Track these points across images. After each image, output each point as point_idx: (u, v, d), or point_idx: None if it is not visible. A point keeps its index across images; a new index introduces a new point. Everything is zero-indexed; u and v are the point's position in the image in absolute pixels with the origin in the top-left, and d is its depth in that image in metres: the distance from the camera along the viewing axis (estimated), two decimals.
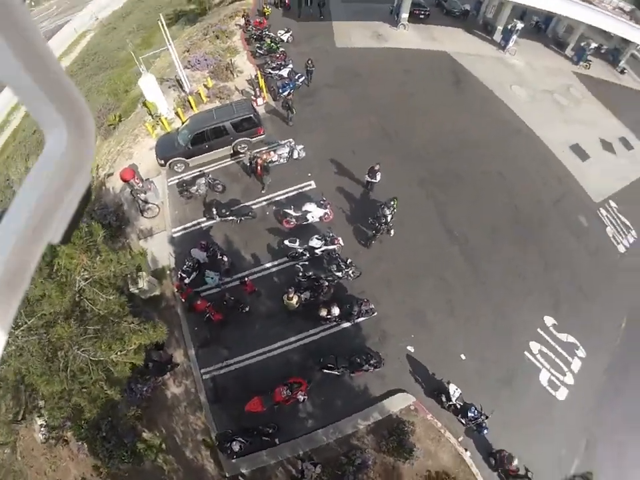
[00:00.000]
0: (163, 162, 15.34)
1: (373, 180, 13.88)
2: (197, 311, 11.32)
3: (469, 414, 10.12)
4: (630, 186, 18.76)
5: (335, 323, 11.37)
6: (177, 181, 15.43)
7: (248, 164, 14.64)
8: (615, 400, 12.47)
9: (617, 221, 17.21)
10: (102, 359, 6.36)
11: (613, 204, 17.69)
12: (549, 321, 13.25)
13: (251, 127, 15.29)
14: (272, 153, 15.15)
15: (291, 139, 16.01)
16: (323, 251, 12.25)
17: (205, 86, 18.92)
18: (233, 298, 11.14)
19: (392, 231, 13.09)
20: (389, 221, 12.40)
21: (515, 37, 22.63)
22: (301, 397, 9.73)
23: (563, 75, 23.74)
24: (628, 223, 17.31)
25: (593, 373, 12.79)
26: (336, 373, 10.38)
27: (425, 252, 13.67)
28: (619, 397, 12.61)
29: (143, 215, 14.92)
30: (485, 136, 18.22)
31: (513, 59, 23.38)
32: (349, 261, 11.69)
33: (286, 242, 12.35)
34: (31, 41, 0.51)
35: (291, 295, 10.72)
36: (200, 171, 15.53)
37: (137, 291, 12.02)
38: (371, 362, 10.28)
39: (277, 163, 15.18)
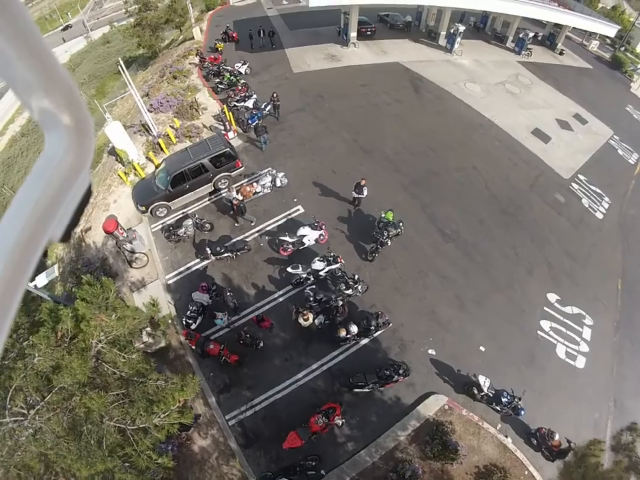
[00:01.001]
0: (144, 208, 14.92)
1: (360, 195, 14.07)
2: (210, 356, 10.90)
3: (503, 400, 10.15)
4: (592, 157, 20.05)
5: (354, 342, 11.22)
6: (160, 226, 15.06)
7: (228, 203, 14.53)
8: (633, 352, 13.16)
9: (590, 192, 18.28)
10: (142, 425, 5.90)
11: (582, 177, 18.81)
12: (552, 297, 13.74)
13: (229, 162, 15.27)
14: (254, 184, 15.15)
15: (270, 167, 16.09)
16: (326, 272, 12.20)
17: (172, 127, 18.85)
18: (249, 335, 10.82)
19: (389, 241, 13.26)
20: (392, 235, 12.69)
21: (458, 39, 24.09)
22: (339, 422, 9.44)
23: (509, 66, 25.41)
24: (599, 191, 18.40)
25: (605, 336, 13.37)
26: (366, 390, 10.17)
27: (423, 254, 13.91)
28: (633, 345, 13.35)
29: (131, 266, 14.38)
30: (451, 134, 19.04)
31: (460, 60, 24.78)
32: (356, 276, 11.67)
33: (289, 269, 12.21)
34: (30, 40, 0.51)
35: (306, 316, 10.56)
36: (183, 212, 15.27)
37: (142, 346, 11.49)
38: (400, 372, 10.15)
39: (261, 193, 15.16)
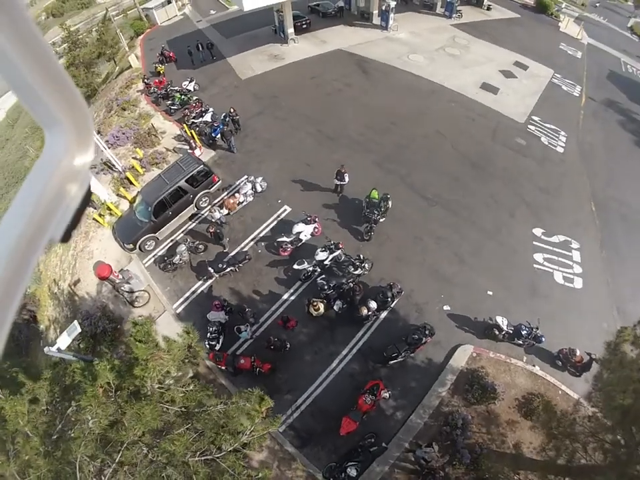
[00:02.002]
0: (131, 246, 14.57)
1: (342, 182, 14.44)
2: (242, 371, 10.82)
3: (523, 333, 10.97)
4: (541, 98, 21.45)
5: (374, 317, 11.62)
6: (152, 259, 14.79)
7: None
8: (621, 262, 14.60)
9: (546, 130, 19.59)
10: (231, 449, 5.89)
11: (536, 118, 20.12)
12: (538, 231, 14.79)
13: (205, 179, 15.18)
14: (236, 195, 15.17)
15: (246, 175, 16.16)
16: (331, 260, 12.52)
17: (136, 158, 18.47)
18: (277, 339, 10.91)
19: (383, 219, 13.72)
20: (385, 212, 13.20)
21: (392, 14, 24.79)
22: (386, 395, 9.82)
23: (445, 31, 26.53)
24: (554, 127, 19.70)
25: (593, 255, 14.62)
26: (400, 359, 10.61)
27: (413, 222, 14.50)
28: (620, 256, 14.79)
29: (134, 306, 14.11)
30: (408, 105, 19.73)
31: (398, 34, 25.55)
32: (361, 256, 12.06)
33: (295, 266, 12.42)
34: (30, 41, 0.51)
35: (316, 306, 10.85)
36: (172, 240, 15.08)
37: (172, 381, 11.37)
38: (426, 332, 10.69)
39: (245, 202, 15.21)
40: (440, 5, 28.07)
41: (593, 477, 6.67)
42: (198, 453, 5.89)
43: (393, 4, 24.36)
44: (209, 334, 11.40)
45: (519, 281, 13.13)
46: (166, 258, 14.05)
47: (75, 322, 8.99)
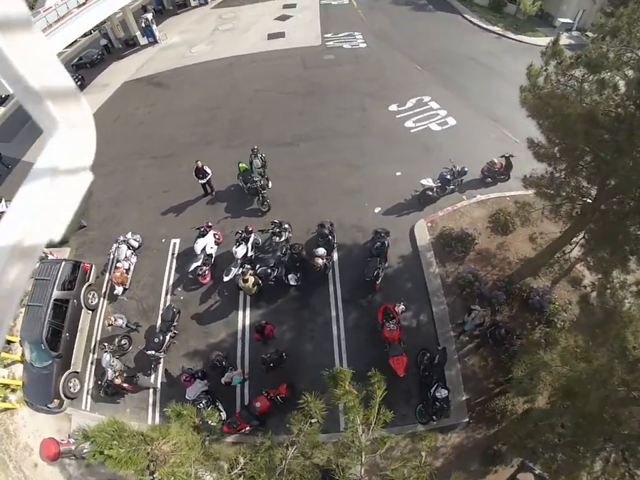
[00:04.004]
0: (55, 402, 11.31)
1: (206, 177, 13.26)
2: (266, 414, 9.30)
3: (448, 177, 11.79)
4: (321, 19, 23.73)
5: (330, 262, 11.05)
6: (88, 397, 11.81)
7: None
8: (461, 86, 16.97)
9: (342, 38, 21.61)
10: None
11: (328, 35, 22.09)
12: (393, 107, 16.13)
13: (76, 273, 12.76)
14: (118, 265, 12.97)
15: (116, 239, 13.88)
16: (252, 250, 11.61)
17: None
18: (269, 354, 9.54)
19: (269, 183, 13.10)
20: (265, 173, 12.80)
21: (154, 26, 24.12)
22: (401, 307, 9.47)
23: (209, 16, 27.32)
24: (347, 32, 21.93)
25: (444, 97, 16.33)
26: (381, 272, 10.35)
27: (293, 167, 14.35)
28: (459, 84, 17.09)
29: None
30: (219, 86, 19.64)
31: (170, 41, 24.86)
32: (276, 221, 11.46)
33: (225, 279, 11.10)
34: (32, 43, 0.52)
35: (246, 277, 9.97)
36: (91, 362, 12.26)
37: None
38: (383, 235, 10.58)
39: (131, 266, 13.11)
40: None
41: None
42: None
43: (149, 16, 23.71)
44: (203, 412, 9.43)
45: (410, 149, 13.97)
46: (100, 382, 11.17)
47: None
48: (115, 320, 11.30)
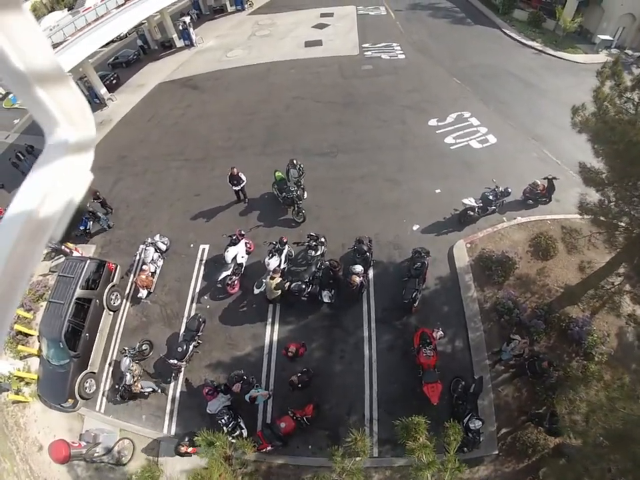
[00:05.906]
0: (70, 402, 11.01)
1: (240, 185, 12.95)
2: (290, 434, 8.79)
3: (491, 197, 11.36)
4: (359, 28, 23.71)
5: (366, 280, 10.61)
6: (104, 399, 11.40)
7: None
8: (507, 108, 15.98)
9: (381, 49, 21.19)
10: None
11: (366, 45, 21.70)
12: (433, 122, 15.51)
13: (101, 272, 12.54)
14: (144, 268, 12.65)
15: (142, 242, 13.74)
16: (285, 262, 11.14)
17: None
18: (299, 374, 9.02)
19: (305, 193, 12.77)
20: (302, 183, 12.54)
21: (191, 29, 24.36)
22: (440, 333, 9.05)
23: (246, 22, 27.30)
24: (385, 43, 21.55)
25: (484, 114, 15.78)
26: (419, 295, 9.88)
27: (329, 179, 13.85)
28: (501, 101, 16.32)
29: (123, 464, 10.43)
30: (255, 92, 19.30)
31: (206, 44, 25.04)
32: (312, 234, 11.00)
33: (255, 291, 10.75)
34: (33, 43, 0.50)
35: (274, 275, 9.86)
36: (109, 364, 11.92)
37: None
38: (423, 255, 10.15)
39: (157, 270, 12.85)
40: (229, 4, 28.77)
41: None
42: None
43: (187, 19, 24.04)
44: (224, 428, 8.74)
45: (450, 166, 13.43)
46: (117, 386, 10.81)
47: None
48: (142, 388, 10.82)
